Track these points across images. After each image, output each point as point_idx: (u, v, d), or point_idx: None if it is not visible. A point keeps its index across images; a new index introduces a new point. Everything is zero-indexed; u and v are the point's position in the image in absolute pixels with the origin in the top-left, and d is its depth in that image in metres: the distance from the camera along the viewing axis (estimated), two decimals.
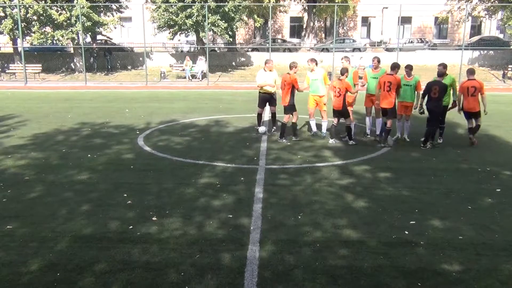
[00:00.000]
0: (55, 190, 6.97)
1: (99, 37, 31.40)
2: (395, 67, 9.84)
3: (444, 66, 9.79)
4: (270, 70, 10.81)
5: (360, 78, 10.76)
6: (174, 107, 15.59)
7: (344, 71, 9.84)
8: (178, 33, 28.39)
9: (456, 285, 4.33)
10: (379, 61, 10.68)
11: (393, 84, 9.57)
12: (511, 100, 18.16)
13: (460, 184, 7.31)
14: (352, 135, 10.07)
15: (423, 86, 9.89)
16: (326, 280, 4.40)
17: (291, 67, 10.12)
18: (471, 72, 9.98)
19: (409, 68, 10.05)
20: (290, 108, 10.07)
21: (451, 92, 10.02)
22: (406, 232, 5.45)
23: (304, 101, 11.15)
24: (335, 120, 10.20)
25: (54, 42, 26.52)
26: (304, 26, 39.42)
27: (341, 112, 9.97)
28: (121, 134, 10.97)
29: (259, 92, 11.04)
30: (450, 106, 10.10)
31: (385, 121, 9.89)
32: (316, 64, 10.49)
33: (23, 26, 25.50)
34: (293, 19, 44.73)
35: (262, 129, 10.99)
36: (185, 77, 27.51)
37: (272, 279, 4.41)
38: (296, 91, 10.03)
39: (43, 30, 26.19)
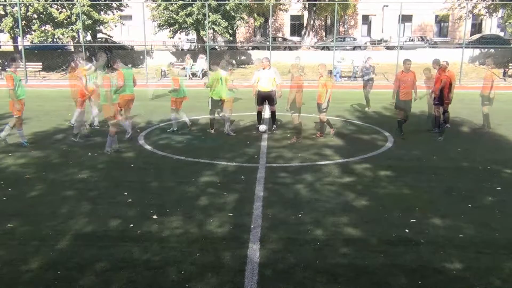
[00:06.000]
0: (56, 188, 6.97)
1: (99, 35, 31.38)
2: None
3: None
4: (264, 68, 10.86)
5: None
6: None
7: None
8: (179, 31, 28.37)
9: (456, 283, 4.33)
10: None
11: None
12: (511, 98, 18.12)
13: (461, 183, 7.30)
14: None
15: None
16: (327, 278, 4.39)
17: None
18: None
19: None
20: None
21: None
22: (407, 231, 5.44)
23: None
24: None
25: (55, 40, 26.52)
26: (305, 25, 39.34)
27: None
28: (122, 133, 10.94)
29: (257, 90, 11.09)
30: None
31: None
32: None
33: (23, 24, 25.47)
34: (293, 18, 44.64)
35: (262, 127, 10.97)
36: (185, 76, 27.48)
37: (273, 278, 4.41)
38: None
39: (43, 29, 26.19)
